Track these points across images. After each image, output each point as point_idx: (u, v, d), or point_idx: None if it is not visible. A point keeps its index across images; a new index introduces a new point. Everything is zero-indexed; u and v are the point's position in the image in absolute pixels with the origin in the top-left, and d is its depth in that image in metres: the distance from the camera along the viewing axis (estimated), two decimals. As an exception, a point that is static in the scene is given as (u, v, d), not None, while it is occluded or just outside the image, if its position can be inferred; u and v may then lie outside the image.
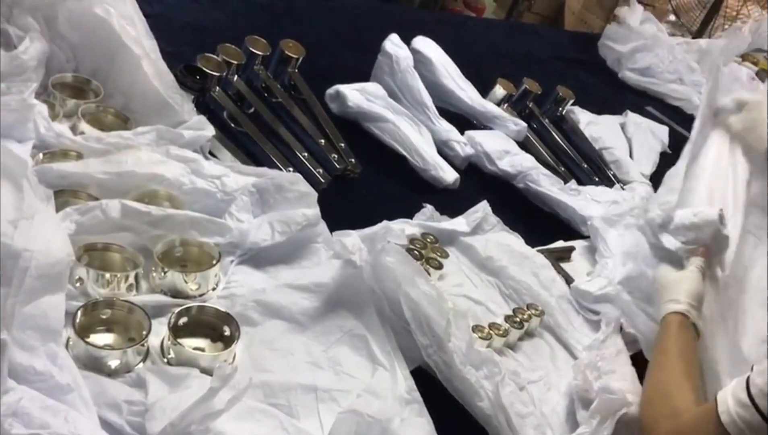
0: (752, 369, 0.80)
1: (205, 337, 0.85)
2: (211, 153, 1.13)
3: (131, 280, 0.85)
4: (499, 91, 1.74)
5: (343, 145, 1.33)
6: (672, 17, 3.52)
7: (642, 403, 0.92)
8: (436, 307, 0.92)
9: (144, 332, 0.78)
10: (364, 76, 1.58)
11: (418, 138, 1.43)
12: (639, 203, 1.37)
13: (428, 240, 1.13)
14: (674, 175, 1.28)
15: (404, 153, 1.40)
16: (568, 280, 1.21)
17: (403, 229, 1.13)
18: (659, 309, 1.03)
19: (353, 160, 1.30)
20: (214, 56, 1.27)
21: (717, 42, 2.75)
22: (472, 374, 0.90)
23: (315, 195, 1.03)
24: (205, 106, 1.23)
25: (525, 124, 1.65)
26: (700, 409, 0.84)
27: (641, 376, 0.98)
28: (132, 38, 1.10)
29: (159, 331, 0.81)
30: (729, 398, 0.79)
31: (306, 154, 1.25)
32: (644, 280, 1.15)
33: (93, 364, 0.74)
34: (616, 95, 2.32)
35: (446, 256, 1.12)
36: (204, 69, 1.23)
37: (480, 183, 1.47)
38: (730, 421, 0.77)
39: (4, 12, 1.10)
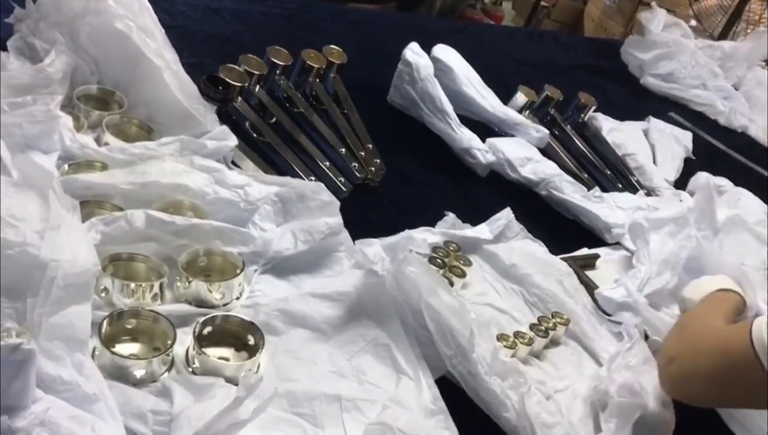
0: None
1: (230, 347, 0.85)
2: (234, 163, 1.14)
3: (156, 289, 0.85)
4: (520, 98, 1.73)
5: (363, 154, 1.33)
6: (693, 22, 3.49)
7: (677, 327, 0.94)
8: (459, 317, 0.91)
9: (169, 342, 0.79)
10: (384, 84, 1.59)
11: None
12: (685, 211, 1.32)
13: (451, 248, 1.13)
14: None
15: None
16: (593, 288, 1.20)
17: (425, 237, 1.12)
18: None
19: (373, 168, 1.30)
20: (237, 67, 1.28)
21: (741, 46, 2.72)
22: (498, 385, 0.89)
23: (337, 204, 1.03)
24: (227, 117, 1.23)
25: (547, 131, 1.64)
26: (732, 325, 0.87)
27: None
28: (153, 51, 1.11)
29: (184, 341, 0.81)
30: (764, 328, 0.82)
31: (328, 164, 1.25)
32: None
33: (119, 374, 0.75)
34: (639, 101, 2.30)
35: (469, 264, 1.12)
36: (226, 80, 1.24)
37: (502, 190, 1.46)
38: (758, 337, 0.82)
39: (30, 26, 1.12)
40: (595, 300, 1.17)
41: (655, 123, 1.97)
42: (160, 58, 1.11)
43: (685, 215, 1.29)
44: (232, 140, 1.11)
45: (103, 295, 0.82)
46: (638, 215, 1.31)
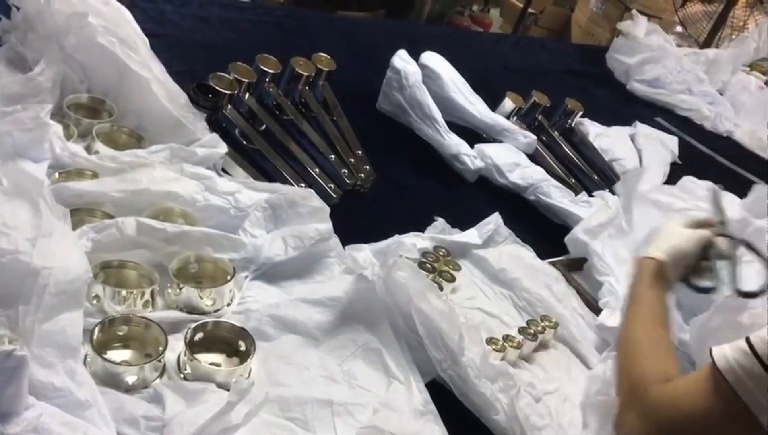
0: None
1: (221, 353, 0.85)
2: (224, 170, 1.15)
3: (147, 296, 0.85)
4: (508, 104, 1.75)
5: (352, 160, 1.34)
6: (679, 28, 3.52)
7: (623, 361, 0.90)
8: (448, 321, 0.92)
9: (160, 348, 0.79)
10: (373, 91, 1.60)
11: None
12: (616, 212, 1.34)
13: (440, 253, 1.13)
14: None
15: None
16: (581, 292, 1.21)
17: (414, 242, 1.13)
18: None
19: (362, 174, 1.31)
20: (226, 75, 1.28)
21: (724, 52, 2.75)
22: (488, 387, 0.90)
23: (327, 210, 1.04)
24: (217, 124, 1.24)
25: (534, 137, 1.66)
26: (694, 373, 0.83)
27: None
28: (139, 63, 1.12)
29: (175, 347, 0.82)
30: (727, 349, 0.78)
31: (317, 170, 1.26)
32: None
33: (111, 380, 0.75)
34: (625, 107, 2.32)
35: (459, 268, 1.13)
36: (216, 87, 1.25)
37: (491, 196, 1.48)
38: (728, 369, 0.76)
39: (18, 37, 1.13)
40: (586, 304, 1.19)
41: (641, 128, 2.00)
42: (147, 70, 1.12)
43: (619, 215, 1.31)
44: (222, 148, 1.12)
45: (95, 302, 0.82)
46: (576, 230, 1.30)
